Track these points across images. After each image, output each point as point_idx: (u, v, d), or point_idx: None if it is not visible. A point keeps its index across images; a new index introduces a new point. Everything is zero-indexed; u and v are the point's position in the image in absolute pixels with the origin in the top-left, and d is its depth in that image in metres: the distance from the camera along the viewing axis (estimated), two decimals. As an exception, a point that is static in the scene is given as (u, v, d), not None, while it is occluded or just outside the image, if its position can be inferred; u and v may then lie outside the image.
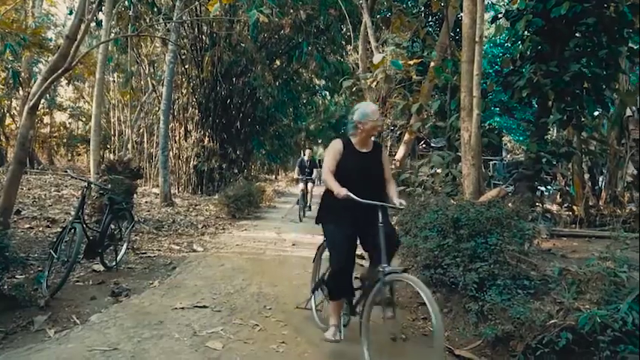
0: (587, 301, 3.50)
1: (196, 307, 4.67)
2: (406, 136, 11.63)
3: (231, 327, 4.19)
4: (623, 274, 3.50)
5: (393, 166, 11.30)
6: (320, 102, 26.20)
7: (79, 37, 6.32)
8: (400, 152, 11.90)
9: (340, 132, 33.56)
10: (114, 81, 19.76)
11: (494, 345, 3.91)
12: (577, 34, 6.17)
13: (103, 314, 4.34)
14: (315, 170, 12.48)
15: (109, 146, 22.04)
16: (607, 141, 9.21)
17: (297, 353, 3.74)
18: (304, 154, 12.95)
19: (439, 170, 7.96)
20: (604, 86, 6.34)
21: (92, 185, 6.33)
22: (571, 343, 3.39)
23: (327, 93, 22.28)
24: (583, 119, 6.81)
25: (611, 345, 3.17)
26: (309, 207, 12.19)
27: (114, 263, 6.03)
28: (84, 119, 26.19)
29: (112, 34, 11.94)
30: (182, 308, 4.59)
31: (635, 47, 6.32)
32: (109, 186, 7.02)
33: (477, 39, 5.59)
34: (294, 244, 8.54)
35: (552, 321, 3.52)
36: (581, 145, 6.72)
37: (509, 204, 4.86)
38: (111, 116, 21.51)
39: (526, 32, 6.62)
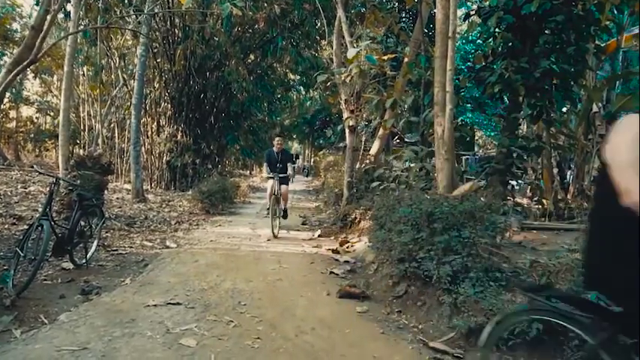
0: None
1: (169, 304, 4.60)
2: (380, 131, 11.68)
3: (205, 323, 4.15)
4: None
5: (367, 161, 11.36)
6: (295, 97, 26.12)
7: (45, 28, 6.12)
8: (374, 147, 11.95)
9: (314, 127, 33.62)
10: (83, 74, 19.26)
11: (467, 337, 3.96)
12: (547, 31, 6.28)
13: (72, 313, 4.23)
14: (289, 165, 9.48)
15: (78, 142, 21.52)
16: (575, 136, 9.45)
17: (272, 349, 3.72)
18: (273, 145, 9.73)
19: (412, 164, 8.03)
20: (572, 82, 6.49)
21: (60, 181, 6.16)
22: (541, 333, 3.47)
23: (302, 88, 22.22)
24: (552, 114, 6.94)
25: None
26: (285, 213, 9.53)
27: (84, 261, 5.88)
28: (52, 114, 25.50)
29: (81, 26, 11.61)
30: (155, 305, 4.51)
31: (602, 45, 6.48)
32: (78, 181, 6.83)
33: (450, 34, 5.64)
34: (268, 240, 8.50)
35: (523, 312, 3.57)
36: (550, 139, 6.85)
37: (482, 198, 4.93)
38: (80, 111, 20.98)
39: (498, 29, 6.71)
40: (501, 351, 3.68)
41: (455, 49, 5.75)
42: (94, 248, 6.19)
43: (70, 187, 7.43)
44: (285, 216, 9.54)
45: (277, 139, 9.69)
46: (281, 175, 9.13)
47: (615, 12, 11.67)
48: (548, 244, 6.49)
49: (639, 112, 1.94)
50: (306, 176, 33.76)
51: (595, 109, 12.42)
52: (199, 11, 12.35)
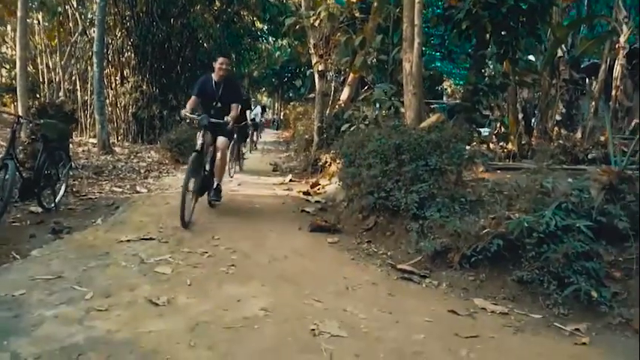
0: (517, 211, 3.77)
1: (143, 239, 4.63)
2: (350, 77, 11.61)
3: (180, 255, 4.22)
4: (549, 184, 3.77)
5: (337, 107, 11.34)
6: (263, 48, 25.51)
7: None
8: (344, 93, 11.89)
9: (284, 79, 33.12)
10: (39, 23, 18.26)
11: (433, 259, 4.17)
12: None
13: (44, 249, 4.23)
14: (235, 110, 5.75)
15: (38, 95, 20.62)
16: (539, 72, 9.65)
17: (246, 274, 3.83)
18: (213, 70, 5.93)
19: (384, 112, 8.08)
20: (538, 19, 6.56)
21: (22, 120, 5.97)
22: (502, 249, 3.68)
23: (270, 37, 21.71)
24: (518, 53, 7.05)
25: (536, 246, 3.46)
26: (217, 194, 5.88)
27: (52, 204, 5.80)
28: (8, 67, 24.25)
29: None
30: (128, 241, 4.54)
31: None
32: (42, 121, 6.61)
33: (418, -34, 5.60)
34: (239, 185, 8.53)
35: (485, 230, 3.77)
36: (515, 76, 6.98)
37: (448, 129, 5.05)
38: (39, 63, 20.01)
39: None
40: (464, 268, 3.90)
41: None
42: (62, 192, 6.10)
43: (33, 137, 7.22)
44: (216, 198, 5.86)
45: (220, 59, 5.87)
46: (214, 121, 5.45)
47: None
48: (510, 182, 6.77)
49: None
50: (276, 129, 33.55)
51: (560, 53, 12.66)
52: None
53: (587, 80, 15.01)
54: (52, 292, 3.18)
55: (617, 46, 12.21)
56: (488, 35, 6.63)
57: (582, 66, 14.52)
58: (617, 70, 12.40)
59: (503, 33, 6.69)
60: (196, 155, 5.30)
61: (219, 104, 5.81)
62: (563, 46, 12.20)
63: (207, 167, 5.75)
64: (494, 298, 3.53)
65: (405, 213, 4.77)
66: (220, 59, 5.91)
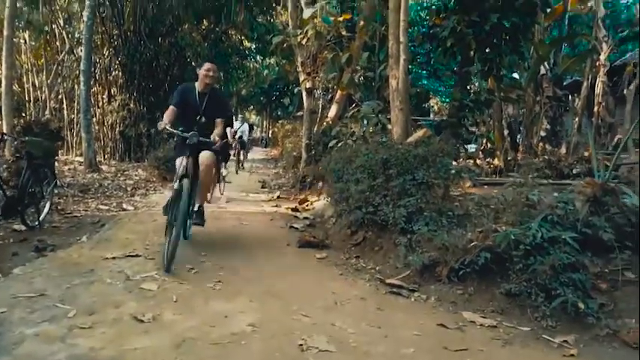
0: (504, 223, 3.79)
1: (128, 256, 4.57)
2: (338, 95, 11.70)
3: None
4: (534, 196, 3.81)
5: (325, 124, 11.39)
6: (251, 66, 25.68)
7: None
8: (332, 111, 11.97)
9: (272, 97, 33.27)
10: (25, 42, 18.21)
11: (421, 273, 4.15)
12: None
13: (26, 267, 4.14)
14: (220, 126, 4.94)
15: (24, 114, 20.45)
16: (523, 87, 9.83)
17: (233, 290, 3.79)
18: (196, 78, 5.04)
19: (371, 129, 8.14)
20: (520, 37, 6.70)
21: (6, 137, 5.90)
22: (490, 262, 3.69)
23: (259, 56, 21.88)
24: (502, 70, 7.18)
25: (523, 259, 3.48)
26: (200, 218, 5.08)
27: (36, 222, 5.71)
28: (-7, 86, 24.01)
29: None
30: (113, 258, 4.47)
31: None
32: (27, 138, 6.54)
33: (402, -15, 5.72)
34: (227, 202, 8.49)
35: (473, 243, 3.79)
36: (500, 93, 7.10)
37: (435, 144, 5.10)
38: (25, 82, 19.90)
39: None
40: (453, 282, 3.90)
41: (408, 1, 5.83)
42: (46, 210, 6.02)
43: (18, 155, 7.13)
44: (199, 222, 5.04)
45: (207, 65, 4.92)
46: (201, 139, 4.54)
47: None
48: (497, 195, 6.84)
49: None
50: (265, 147, 33.58)
51: (543, 71, 12.93)
52: None
53: (569, 97, 15.32)
54: (34, 310, 3.12)
55: (597, 63, 12.51)
56: (472, 52, 6.74)
57: (565, 83, 14.84)
58: (598, 87, 12.69)
59: (487, 50, 6.82)
60: (187, 182, 4.39)
61: (202, 119, 4.86)
62: (545, 63, 12.48)
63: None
64: (483, 311, 3.53)
65: (393, 227, 4.78)
66: (207, 65, 4.91)
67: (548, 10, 12.55)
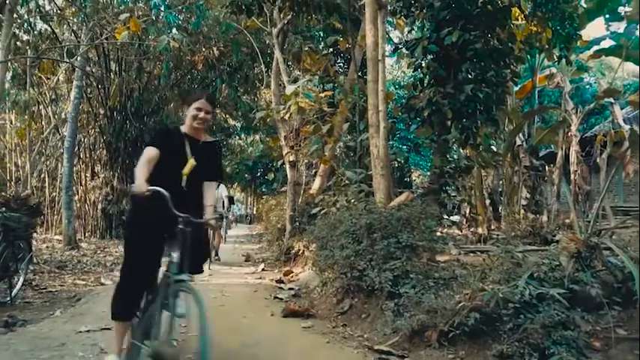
0: (491, 282, 3.74)
1: (104, 329, 4.34)
2: (321, 168, 11.88)
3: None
4: (520, 254, 3.80)
5: (309, 196, 11.45)
6: (236, 144, 26.14)
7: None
8: (316, 184, 12.09)
9: (257, 174, 33.59)
10: (11, 122, 18.42)
11: (410, 338, 4.01)
12: (468, 60, 6.80)
13: (-8, 343, 3.91)
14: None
15: (4, 193, 20.22)
16: (501, 154, 10.15)
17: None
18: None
19: (352, 199, 8.21)
20: (494, 106, 7.01)
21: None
22: (479, 322, 3.59)
23: (243, 134, 22.37)
24: (479, 139, 7.41)
25: (512, 317, 3.40)
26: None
27: (8, 298, 5.47)
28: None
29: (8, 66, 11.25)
30: (87, 331, 4.26)
31: (517, 70, 7.14)
32: (3, 209, 6.38)
33: (379, 57, 6.01)
34: (210, 275, 8.27)
35: (461, 304, 3.71)
36: (478, 159, 7.31)
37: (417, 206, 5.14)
38: (7, 162, 19.88)
39: (424, 59, 7.20)
40: (443, 346, 3.77)
41: (385, 70, 6.13)
42: (19, 285, 5.79)
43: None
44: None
45: (200, 102, 3.30)
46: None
47: (529, 56, 12.90)
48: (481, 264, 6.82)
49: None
50: (249, 223, 33.38)
51: (519, 142, 13.40)
52: (137, 43, 11.84)
53: (546, 167, 15.77)
54: (-2, 386, 2.90)
55: (569, 134, 13.03)
56: (449, 122, 7.00)
57: (541, 154, 15.35)
58: (572, 156, 13.13)
59: (463, 120, 7.08)
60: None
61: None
62: (521, 135, 12.96)
63: None
64: (476, 375, 3.39)
65: (379, 293, 4.67)
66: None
67: (519, 86, 13.41)
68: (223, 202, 10.47)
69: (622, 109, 12.46)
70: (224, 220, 11.67)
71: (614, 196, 13.83)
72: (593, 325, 3.49)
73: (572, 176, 13.31)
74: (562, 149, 13.32)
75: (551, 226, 9.70)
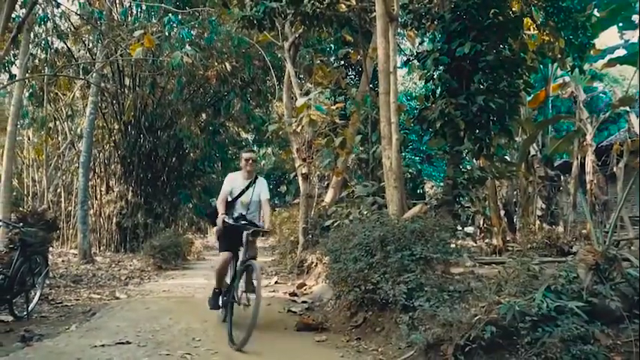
0: (507, 295, 3.68)
1: (119, 343, 4.36)
2: (333, 180, 11.88)
3: (158, 358, 3.95)
4: (536, 266, 3.74)
5: (321, 209, 11.44)
6: (248, 157, 26.10)
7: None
8: (329, 196, 12.09)
9: (269, 187, 33.58)
10: (29, 138, 18.76)
11: (426, 352, 3.95)
12: (480, 71, 6.78)
13: (9, 357, 3.94)
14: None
15: (22, 208, 20.53)
16: (515, 165, 10.06)
17: (228, 375, 3.58)
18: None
19: (365, 211, 8.18)
20: (507, 116, 6.96)
21: (1, 223, 5.87)
22: (496, 336, 3.53)
23: (256, 147, 22.49)
24: (492, 149, 7.35)
25: (530, 331, 3.34)
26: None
27: (25, 313, 5.53)
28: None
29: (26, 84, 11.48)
30: (102, 345, 4.27)
31: (530, 80, 7.10)
32: (21, 224, 6.47)
33: (391, 69, 6.02)
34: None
35: (477, 317, 3.64)
36: (492, 169, 7.24)
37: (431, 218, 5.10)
38: (24, 177, 20.22)
39: (436, 71, 7.19)
40: (459, 360, 3.70)
41: (397, 82, 6.13)
42: (36, 299, 5.85)
43: (11, 245, 7.04)
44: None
45: (246, 155, 5.44)
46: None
47: (541, 66, 12.83)
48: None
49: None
50: (262, 235, 33.26)
51: (533, 152, 13.28)
52: (151, 59, 12.06)
53: (562, 177, 15.59)
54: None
55: (585, 143, 12.88)
56: (462, 133, 6.96)
57: (555, 164, 15.17)
58: (588, 166, 12.96)
59: (476, 131, 7.03)
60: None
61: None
62: (535, 145, 12.84)
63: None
64: (494, 390, 3.32)
65: (393, 306, 4.63)
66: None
67: (532, 96, 13.31)
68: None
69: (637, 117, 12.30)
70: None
71: (632, 206, 13.58)
72: (614, 339, 3.41)
73: (588, 186, 13.13)
74: (577, 159, 13.16)
75: (568, 237, 9.55)
